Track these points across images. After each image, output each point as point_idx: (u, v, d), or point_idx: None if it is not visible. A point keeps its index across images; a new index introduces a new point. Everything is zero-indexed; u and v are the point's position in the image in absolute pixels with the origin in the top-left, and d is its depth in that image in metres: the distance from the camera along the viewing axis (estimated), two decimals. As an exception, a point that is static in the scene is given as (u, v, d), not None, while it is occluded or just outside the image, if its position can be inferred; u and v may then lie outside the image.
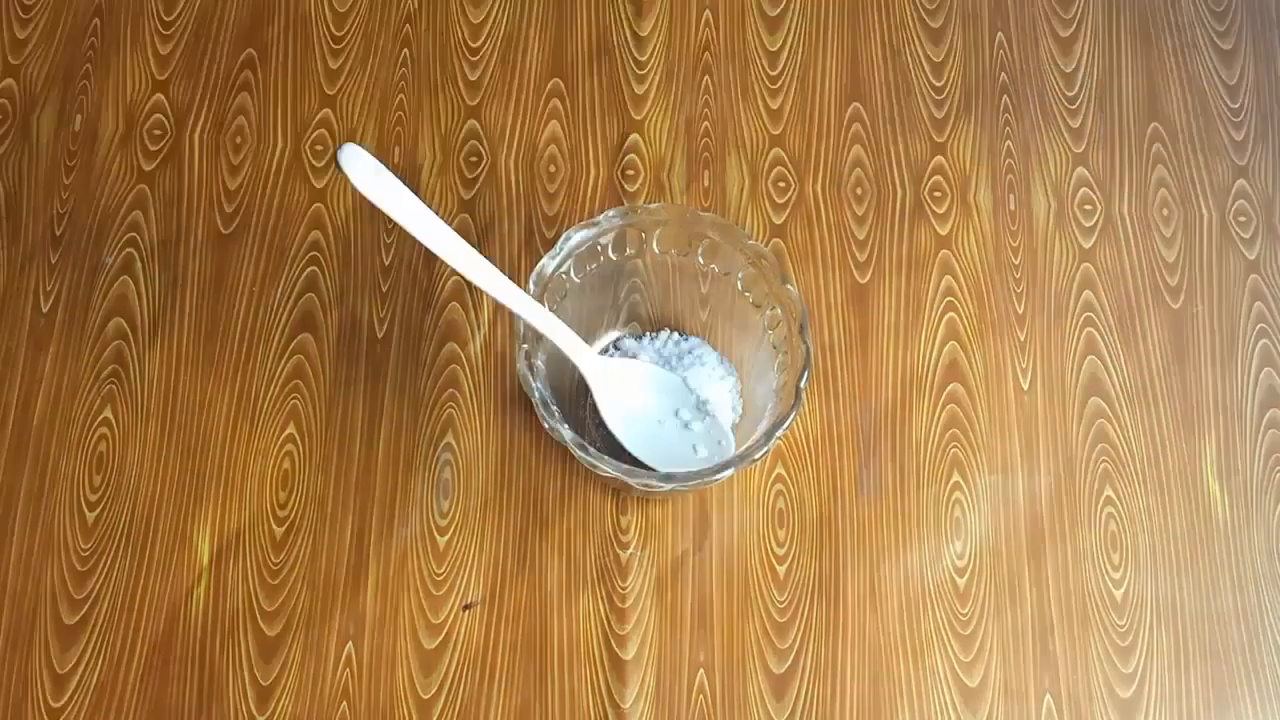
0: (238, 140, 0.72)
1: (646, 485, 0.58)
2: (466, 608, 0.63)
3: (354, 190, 0.55)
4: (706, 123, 0.73)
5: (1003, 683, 0.63)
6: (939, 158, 0.73)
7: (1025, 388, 0.68)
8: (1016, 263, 0.71)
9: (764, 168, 0.72)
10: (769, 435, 0.58)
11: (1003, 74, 0.75)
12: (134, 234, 0.69)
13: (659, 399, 0.64)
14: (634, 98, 0.74)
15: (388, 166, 0.56)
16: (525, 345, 0.60)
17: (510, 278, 0.59)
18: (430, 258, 0.69)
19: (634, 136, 0.73)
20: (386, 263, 0.69)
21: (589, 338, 0.65)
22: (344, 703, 0.61)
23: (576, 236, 0.62)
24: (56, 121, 0.72)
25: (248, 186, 0.71)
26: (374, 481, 0.65)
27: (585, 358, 0.62)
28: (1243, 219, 0.72)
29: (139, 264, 0.69)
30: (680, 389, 0.65)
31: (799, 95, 0.74)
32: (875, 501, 0.66)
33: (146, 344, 0.67)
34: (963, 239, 0.71)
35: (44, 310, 0.68)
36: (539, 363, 0.60)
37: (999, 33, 0.76)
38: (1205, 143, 0.74)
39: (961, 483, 0.66)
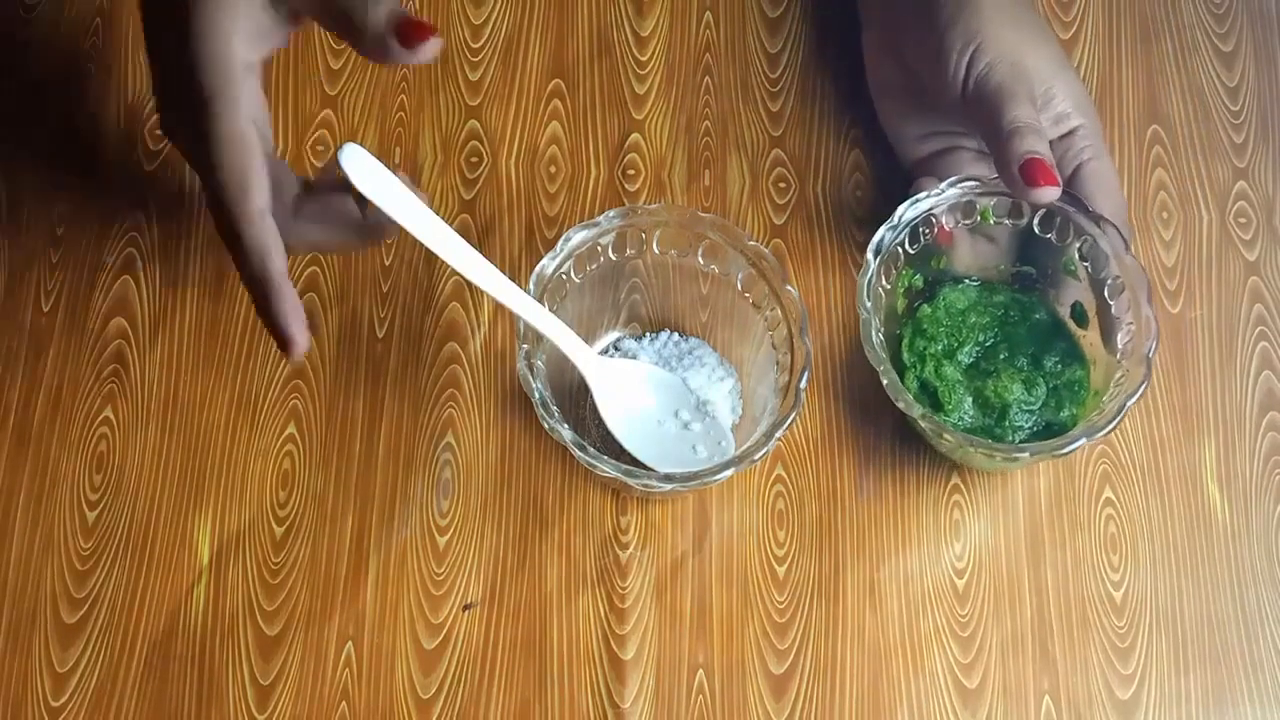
0: (238, 140, 0.72)
1: (646, 485, 0.58)
2: (466, 608, 0.63)
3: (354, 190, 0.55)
4: (707, 123, 0.73)
5: (1002, 684, 0.63)
6: (939, 159, 0.73)
7: (1025, 389, 0.68)
8: (1016, 264, 0.71)
9: (764, 168, 0.72)
10: (769, 436, 0.58)
11: (1003, 75, 0.75)
12: (134, 234, 0.69)
13: (659, 399, 0.64)
14: (634, 98, 0.74)
15: (388, 167, 0.56)
16: (525, 345, 0.60)
17: (510, 278, 0.59)
18: (430, 258, 0.69)
19: (634, 136, 0.73)
20: (386, 263, 0.69)
21: (589, 338, 0.65)
22: (344, 703, 0.61)
23: (577, 237, 0.62)
24: (59, 121, 0.72)
25: (248, 186, 0.70)
26: (374, 481, 0.65)
27: (585, 358, 0.62)
28: (1243, 220, 0.72)
29: (139, 264, 0.69)
30: (680, 389, 0.65)
31: (799, 97, 0.74)
32: (875, 502, 0.66)
33: (147, 344, 0.67)
34: (963, 240, 0.71)
35: (44, 310, 0.68)
36: (539, 363, 0.60)
37: (999, 34, 0.76)
38: (1205, 145, 0.74)
39: (961, 484, 0.66)
